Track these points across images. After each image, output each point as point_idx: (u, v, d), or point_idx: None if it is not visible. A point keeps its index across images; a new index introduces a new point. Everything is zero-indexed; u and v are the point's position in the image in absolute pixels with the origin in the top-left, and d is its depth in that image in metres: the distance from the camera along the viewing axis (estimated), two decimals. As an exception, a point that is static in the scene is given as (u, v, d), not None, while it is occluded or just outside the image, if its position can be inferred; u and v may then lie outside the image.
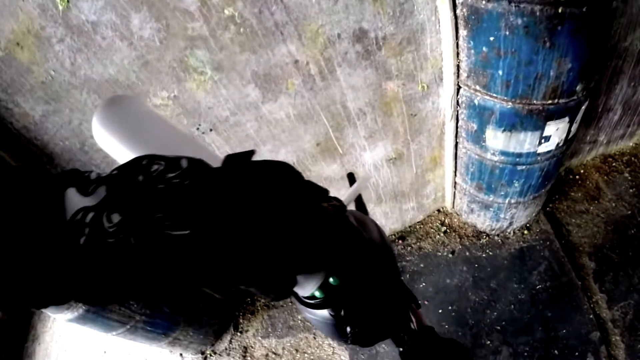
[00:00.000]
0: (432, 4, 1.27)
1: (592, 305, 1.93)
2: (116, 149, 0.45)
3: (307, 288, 0.46)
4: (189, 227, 0.30)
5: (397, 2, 1.21)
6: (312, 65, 1.28)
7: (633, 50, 1.78)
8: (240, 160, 0.40)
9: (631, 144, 2.45)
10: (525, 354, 1.84)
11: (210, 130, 1.28)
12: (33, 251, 0.27)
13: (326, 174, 1.71)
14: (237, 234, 0.34)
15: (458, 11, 1.27)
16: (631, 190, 2.28)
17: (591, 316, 1.88)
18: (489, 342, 1.88)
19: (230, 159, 0.40)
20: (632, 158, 2.41)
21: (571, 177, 2.37)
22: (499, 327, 1.91)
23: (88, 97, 1.06)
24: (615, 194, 2.28)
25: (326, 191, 0.45)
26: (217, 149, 1.35)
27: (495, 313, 1.95)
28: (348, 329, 0.47)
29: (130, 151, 0.44)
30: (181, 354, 1.98)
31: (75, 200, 0.30)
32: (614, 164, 2.40)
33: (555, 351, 1.83)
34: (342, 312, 0.46)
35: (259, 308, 2.15)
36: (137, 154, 0.38)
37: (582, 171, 2.39)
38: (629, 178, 2.33)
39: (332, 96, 1.42)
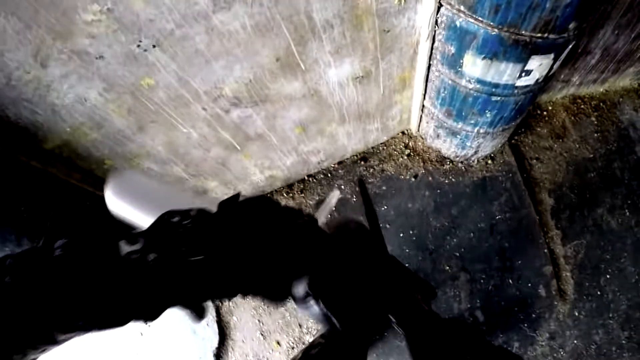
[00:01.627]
0: None
1: (547, 240, 2.24)
2: (131, 214, 0.65)
3: (300, 289, 0.64)
4: (202, 254, 0.52)
5: None
6: (272, -32, 1.22)
7: (625, -1, 1.85)
8: (231, 204, 0.59)
9: (602, 90, 2.62)
10: (482, 280, 2.15)
11: (154, 46, 1.23)
12: (102, 281, 0.48)
13: (287, 92, 1.72)
14: (235, 255, 0.55)
15: None
16: (596, 135, 2.50)
17: (545, 250, 2.20)
18: (447, 267, 2.17)
19: (223, 204, 0.59)
20: (601, 103, 2.60)
21: (539, 112, 2.54)
22: (457, 254, 2.19)
23: (6, 22, 0.96)
24: (580, 136, 2.49)
25: (300, 211, 0.65)
26: (162, 68, 1.31)
27: (455, 240, 2.22)
28: (334, 320, 0.64)
29: (144, 214, 0.65)
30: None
31: (125, 247, 0.51)
32: (582, 106, 2.58)
33: (510, 280, 2.16)
34: (326, 308, 0.62)
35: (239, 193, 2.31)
36: (149, 215, 0.61)
37: (550, 108, 2.55)
38: (595, 122, 2.54)
39: (296, 5, 1.37)
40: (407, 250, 2.19)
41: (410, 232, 2.22)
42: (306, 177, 2.40)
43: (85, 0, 1.01)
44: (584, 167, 2.42)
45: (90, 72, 1.23)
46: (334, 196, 0.89)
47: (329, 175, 2.37)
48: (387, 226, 2.22)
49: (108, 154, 1.58)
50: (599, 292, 2.20)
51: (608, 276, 2.23)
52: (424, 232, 2.22)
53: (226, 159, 1.93)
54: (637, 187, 2.39)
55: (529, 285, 2.15)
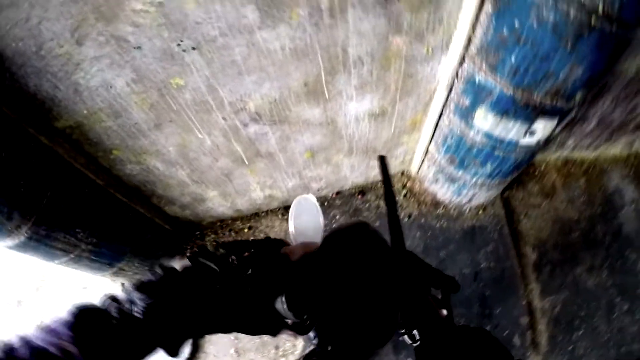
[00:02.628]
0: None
1: (526, 292, 2.25)
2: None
3: (279, 305, 0.62)
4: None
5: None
6: (324, -2, 1.20)
7: (626, 74, 1.95)
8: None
9: (593, 155, 2.72)
10: (460, 324, 2.10)
11: (193, 48, 1.19)
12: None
13: (306, 117, 1.69)
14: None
15: (491, -16, 1.24)
16: (583, 198, 2.57)
17: (524, 302, 2.20)
18: (429, 308, 2.12)
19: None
20: (591, 168, 2.69)
21: (532, 170, 2.61)
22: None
23: (55, -11, 0.91)
24: (568, 197, 2.55)
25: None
26: (196, 70, 1.26)
27: (439, 282, 2.17)
28: (329, 347, 0.57)
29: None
30: (123, 284, 2.00)
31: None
32: (572, 169, 2.67)
33: (488, 327, 2.12)
34: (316, 338, 0.56)
35: (207, 242, 2.20)
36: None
37: (543, 167, 2.64)
38: (583, 186, 2.62)
39: (335, 37, 1.36)
40: (393, 287, 2.14)
41: (398, 269, 2.16)
42: (303, 202, 2.34)
43: (142, -11, 0.97)
44: (569, 226, 2.46)
45: (124, 60, 1.17)
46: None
47: (326, 203, 2.32)
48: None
49: (118, 144, 1.50)
50: (570, 347, 2.19)
51: (581, 332, 2.22)
52: (411, 271, 2.17)
53: (232, 171, 1.86)
54: (616, 251, 2.44)
55: (505, 333, 2.13)
